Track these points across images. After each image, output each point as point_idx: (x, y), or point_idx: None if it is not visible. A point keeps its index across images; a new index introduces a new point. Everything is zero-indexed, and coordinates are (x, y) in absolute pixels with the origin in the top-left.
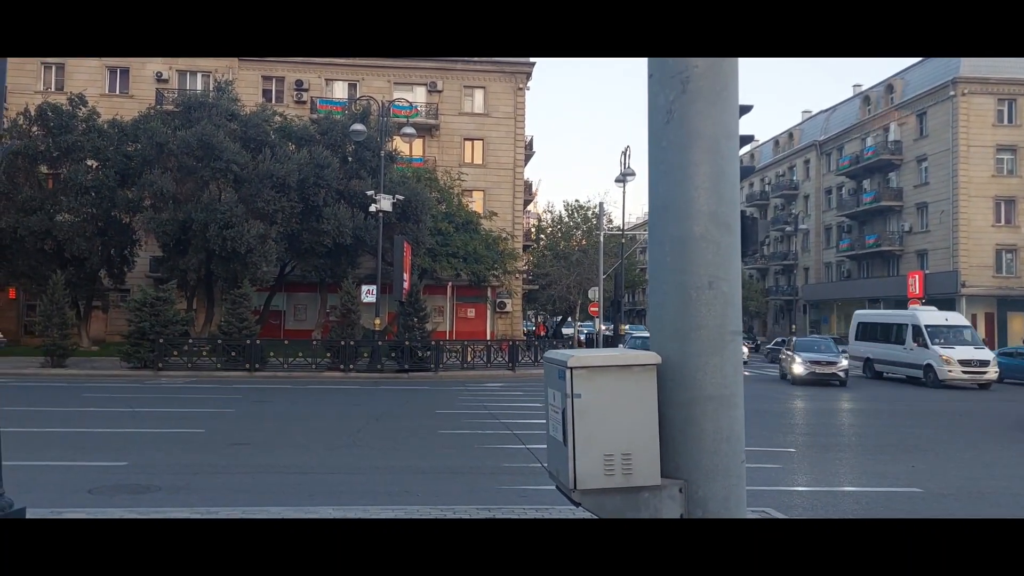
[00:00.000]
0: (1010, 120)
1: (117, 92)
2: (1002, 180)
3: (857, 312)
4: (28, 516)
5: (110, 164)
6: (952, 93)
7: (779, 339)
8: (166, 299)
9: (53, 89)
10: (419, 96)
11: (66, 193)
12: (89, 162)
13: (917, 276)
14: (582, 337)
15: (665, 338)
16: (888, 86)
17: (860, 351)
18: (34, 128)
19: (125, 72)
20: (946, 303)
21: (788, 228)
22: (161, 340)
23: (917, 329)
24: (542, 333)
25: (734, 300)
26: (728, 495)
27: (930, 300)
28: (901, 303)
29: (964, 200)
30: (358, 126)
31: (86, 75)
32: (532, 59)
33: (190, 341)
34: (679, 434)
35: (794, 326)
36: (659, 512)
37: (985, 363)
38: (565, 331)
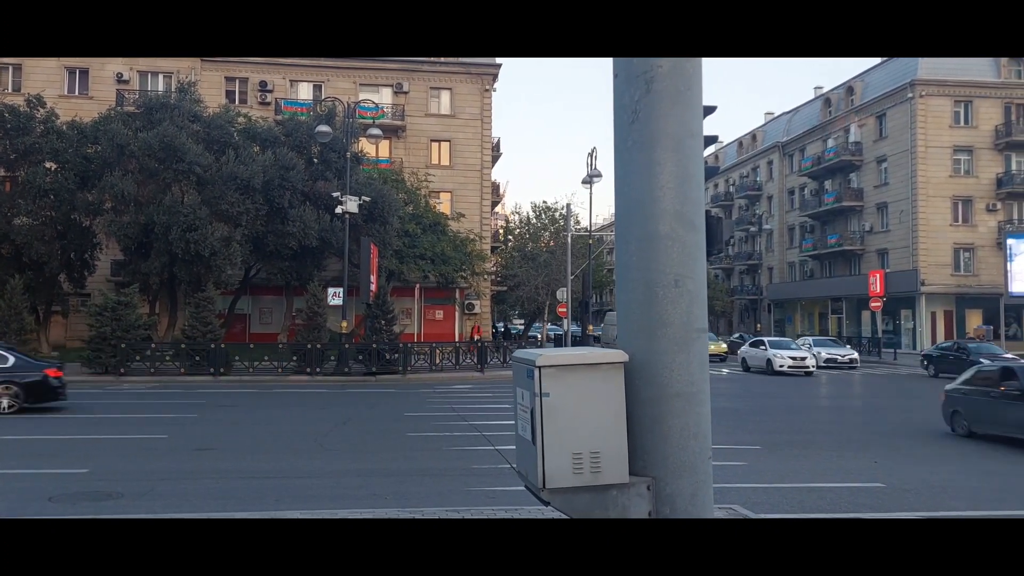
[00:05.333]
0: (966, 121)
1: (76, 93)
2: (959, 180)
3: None
4: None
5: (69, 166)
6: (910, 95)
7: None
8: (128, 303)
9: (10, 90)
10: (385, 97)
11: (24, 196)
12: (48, 164)
13: (878, 275)
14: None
15: (632, 336)
16: (848, 88)
17: None
18: None
19: (84, 73)
20: (907, 301)
21: (752, 228)
22: (123, 345)
23: None
24: (478, 336)
25: (700, 298)
26: (696, 491)
27: (891, 299)
28: (863, 302)
29: (923, 200)
30: (323, 127)
31: (44, 76)
32: (498, 60)
33: (153, 346)
34: (647, 432)
35: (759, 325)
36: (628, 510)
37: None
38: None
